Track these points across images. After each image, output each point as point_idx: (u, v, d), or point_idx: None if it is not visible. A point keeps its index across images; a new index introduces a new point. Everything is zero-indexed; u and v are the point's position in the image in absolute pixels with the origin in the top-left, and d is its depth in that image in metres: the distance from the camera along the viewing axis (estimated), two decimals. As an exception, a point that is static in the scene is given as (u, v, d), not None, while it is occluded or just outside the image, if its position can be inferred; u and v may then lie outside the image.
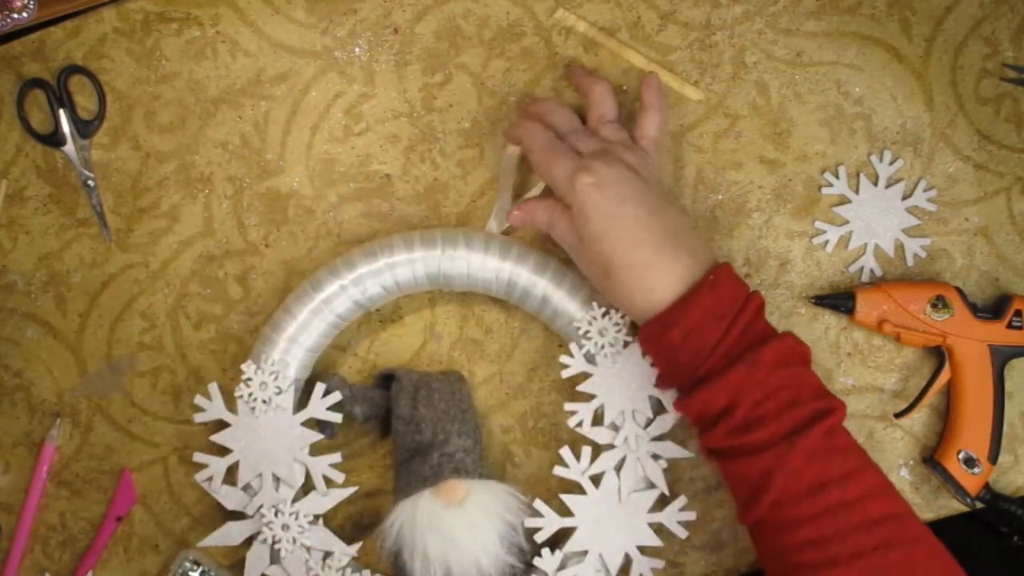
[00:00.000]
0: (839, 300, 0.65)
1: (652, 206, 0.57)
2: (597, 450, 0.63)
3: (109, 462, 0.68)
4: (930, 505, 0.66)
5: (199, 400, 0.63)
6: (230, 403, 0.63)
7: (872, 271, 0.66)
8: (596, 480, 0.62)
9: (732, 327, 0.54)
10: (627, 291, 0.56)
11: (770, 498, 0.52)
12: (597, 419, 0.63)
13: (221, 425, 0.63)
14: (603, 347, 0.62)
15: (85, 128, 0.68)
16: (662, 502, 0.63)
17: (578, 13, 0.67)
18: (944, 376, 0.64)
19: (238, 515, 0.64)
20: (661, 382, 0.60)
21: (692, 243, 0.57)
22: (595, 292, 0.62)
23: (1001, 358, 0.63)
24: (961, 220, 0.67)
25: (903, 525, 0.53)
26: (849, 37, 0.67)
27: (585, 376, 0.62)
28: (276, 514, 0.61)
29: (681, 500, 0.63)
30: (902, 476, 0.66)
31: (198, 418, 0.63)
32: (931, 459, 0.64)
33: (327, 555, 0.62)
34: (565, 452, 0.62)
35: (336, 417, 0.62)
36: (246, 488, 0.63)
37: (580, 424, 0.62)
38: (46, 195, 0.69)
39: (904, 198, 0.67)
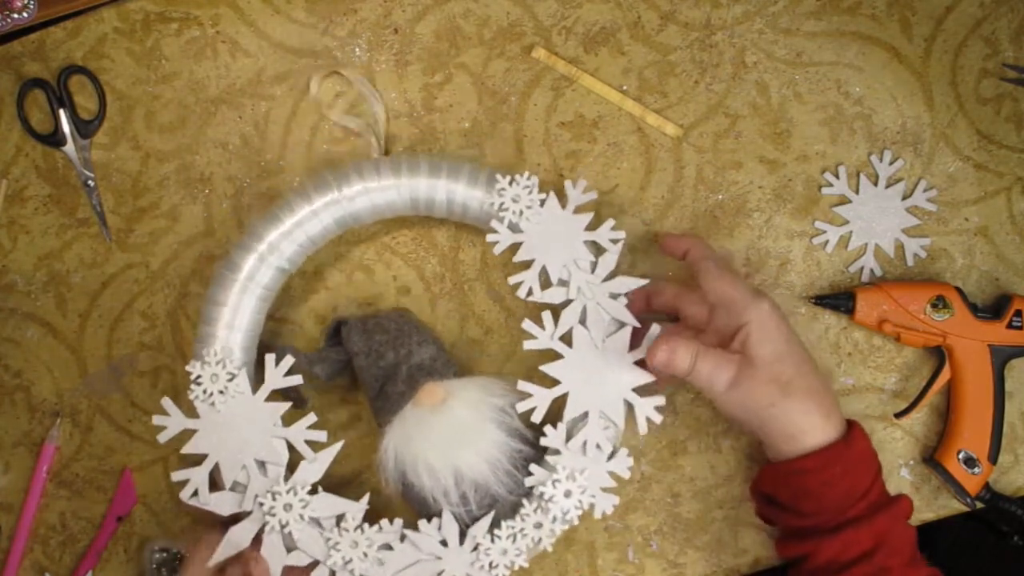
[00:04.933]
0: (839, 300, 0.65)
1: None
2: (556, 312, 0.61)
3: (109, 462, 0.68)
4: (930, 505, 0.66)
5: (158, 419, 0.60)
6: (191, 412, 0.61)
7: (872, 271, 0.66)
8: (568, 340, 0.61)
9: (879, 475, 0.58)
10: (804, 412, 0.56)
11: None
12: (545, 284, 0.62)
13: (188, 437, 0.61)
14: (522, 212, 0.61)
15: (85, 128, 0.68)
16: (637, 338, 0.61)
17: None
18: (944, 376, 0.64)
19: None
20: (779, 519, 0.60)
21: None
22: (494, 173, 0.62)
23: (1001, 358, 0.63)
24: (961, 220, 0.67)
25: None
26: (849, 37, 0.67)
27: (517, 246, 0.62)
28: (274, 498, 0.59)
29: (656, 328, 0.61)
30: (902, 476, 0.66)
31: (161, 437, 0.60)
32: (931, 459, 0.64)
33: (340, 519, 0.60)
34: (527, 324, 0.61)
35: (297, 380, 0.60)
36: (234, 487, 0.60)
37: (530, 292, 0.61)
38: (46, 195, 0.69)
39: (904, 198, 0.67)
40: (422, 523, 0.60)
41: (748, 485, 0.66)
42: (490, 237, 0.62)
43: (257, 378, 0.62)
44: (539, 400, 0.60)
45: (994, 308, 0.64)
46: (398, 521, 0.60)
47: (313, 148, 0.68)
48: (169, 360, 0.68)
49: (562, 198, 0.62)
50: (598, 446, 0.60)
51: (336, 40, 0.68)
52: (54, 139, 0.68)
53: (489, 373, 0.66)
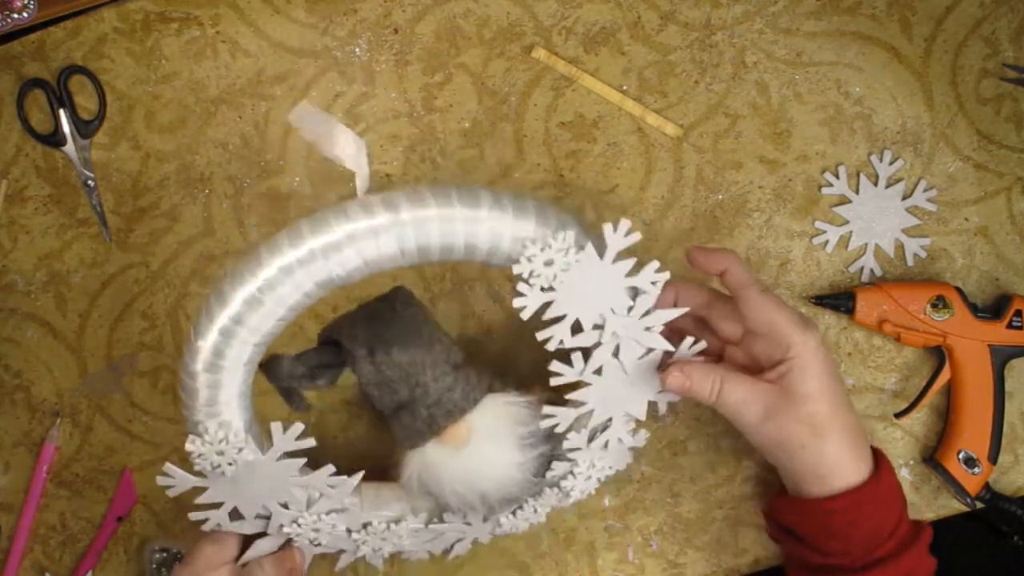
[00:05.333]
0: (839, 300, 0.65)
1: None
2: (588, 351, 0.56)
3: (109, 462, 0.68)
4: (930, 505, 0.66)
5: (162, 480, 0.56)
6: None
7: (872, 271, 0.67)
8: (597, 370, 0.56)
9: (905, 509, 0.56)
10: (837, 452, 0.54)
11: None
12: (577, 330, 0.54)
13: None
14: (555, 275, 0.51)
15: (85, 128, 0.68)
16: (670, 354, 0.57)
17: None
18: (944, 376, 0.64)
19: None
20: (797, 551, 0.58)
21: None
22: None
23: (1001, 358, 0.63)
24: (961, 220, 0.67)
25: None
26: (849, 37, 0.67)
27: (547, 304, 0.53)
28: (299, 526, 0.59)
29: (686, 343, 0.56)
30: (902, 476, 0.66)
31: (170, 493, 0.56)
32: (931, 459, 0.64)
33: (366, 524, 0.60)
34: (555, 365, 0.55)
35: (309, 443, 0.55)
36: (256, 516, 0.59)
37: (561, 343, 0.53)
38: (46, 195, 0.69)
39: (904, 198, 0.67)
40: (447, 515, 0.61)
41: (748, 485, 0.66)
42: (517, 302, 0.52)
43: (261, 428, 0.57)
44: (563, 418, 0.58)
45: (994, 308, 0.64)
46: (423, 515, 0.61)
47: (313, 148, 0.68)
48: (169, 360, 0.68)
49: (600, 244, 0.52)
50: (620, 440, 0.59)
51: (336, 40, 0.68)
52: (54, 139, 0.68)
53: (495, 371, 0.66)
